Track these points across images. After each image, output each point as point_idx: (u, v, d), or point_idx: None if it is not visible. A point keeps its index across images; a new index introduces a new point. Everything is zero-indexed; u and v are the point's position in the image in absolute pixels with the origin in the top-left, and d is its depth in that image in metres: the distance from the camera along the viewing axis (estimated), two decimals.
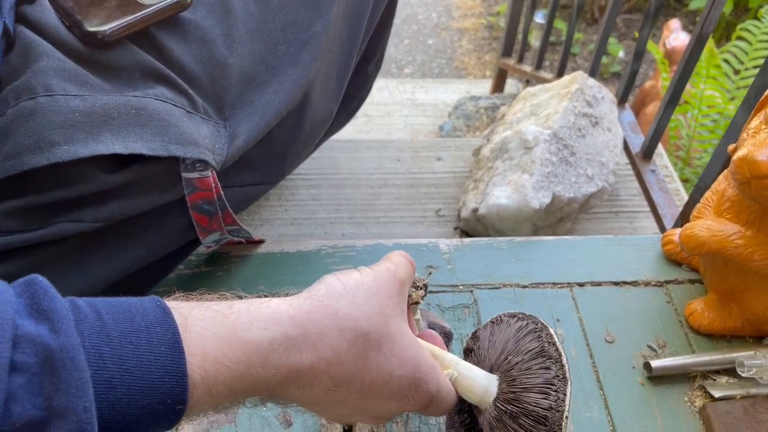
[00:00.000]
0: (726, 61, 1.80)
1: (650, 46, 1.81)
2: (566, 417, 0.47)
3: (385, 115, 1.86)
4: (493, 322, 0.57)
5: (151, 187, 0.60)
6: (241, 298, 0.42)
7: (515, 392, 0.50)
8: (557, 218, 1.02)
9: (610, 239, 0.89)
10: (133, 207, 0.59)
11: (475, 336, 0.59)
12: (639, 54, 1.18)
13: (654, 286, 0.83)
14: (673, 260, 0.86)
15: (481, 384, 0.51)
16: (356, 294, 0.44)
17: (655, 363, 0.72)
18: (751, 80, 1.73)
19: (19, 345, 0.31)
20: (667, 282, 0.84)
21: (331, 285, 0.45)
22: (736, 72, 1.80)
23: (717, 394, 0.70)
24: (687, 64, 1.03)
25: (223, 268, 0.83)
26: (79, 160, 0.53)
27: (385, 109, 1.89)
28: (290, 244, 0.88)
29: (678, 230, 0.85)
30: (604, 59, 2.75)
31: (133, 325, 0.35)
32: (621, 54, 2.79)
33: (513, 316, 0.55)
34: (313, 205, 1.14)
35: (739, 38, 1.82)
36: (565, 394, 0.47)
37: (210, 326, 0.37)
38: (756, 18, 1.81)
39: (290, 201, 1.14)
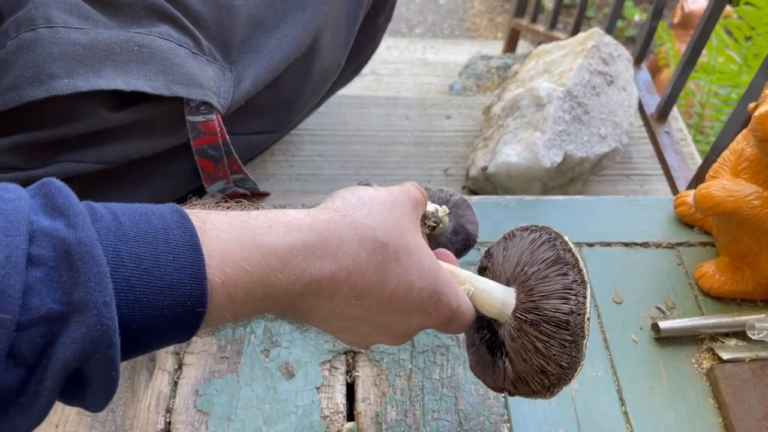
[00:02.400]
0: (738, 27, 1.75)
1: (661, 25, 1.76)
2: (587, 319, 0.46)
3: (395, 73, 1.83)
4: (506, 238, 0.55)
5: (154, 130, 0.59)
6: (257, 209, 0.40)
7: (534, 301, 0.48)
8: (568, 178, 1.00)
9: (621, 200, 0.88)
10: (136, 149, 0.58)
11: (488, 254, 0.56)
12: (658, 11, 1.15)
13: (665, 248, 0.82)
14: (685, 222, 0.84)
15: (498, 297, 0.50)
16: (372, 206, 0.42)
17: (663, 324, 0.71)
18: (764, 47, 1.70)
19: (36, 239, 0.30)
20: (678, 244, 0.82)
21: (347, 198, 0.43)
22: (748, 38, 1.75)
23: (725, 356, 0.69)
24: (706, 24, 1.00)
25: None
26: (81, 96, 0.52)
27: (394, 68, 1.86)
28: (295, 198, 0.86)
29: (692, 191, 0.83)
30: (620, 23, 2.70)
31: (150, 226, 0.34)
32: (636, 18, 2.73)
33: (525, 229, 0.53)
34: (319, 161, 1.12)
35: (747, 3, 1.77)
36: (585, 297, 0.46)
37: (229, 230, 0.36)
38: None
39: (296, 156, 1.12)
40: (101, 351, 0.30)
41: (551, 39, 1.69)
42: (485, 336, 0.54)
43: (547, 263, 0.48)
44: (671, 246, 0.82)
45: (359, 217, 0.41)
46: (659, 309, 0.75)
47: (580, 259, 0.48)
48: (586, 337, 0.46)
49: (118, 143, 0.56)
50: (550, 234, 0.50)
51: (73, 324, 0.30)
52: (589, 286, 0.47)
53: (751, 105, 0.67)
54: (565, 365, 0.47)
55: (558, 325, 0.47)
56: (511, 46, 1.99)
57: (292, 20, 0.67)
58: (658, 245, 0.82)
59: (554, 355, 0.47)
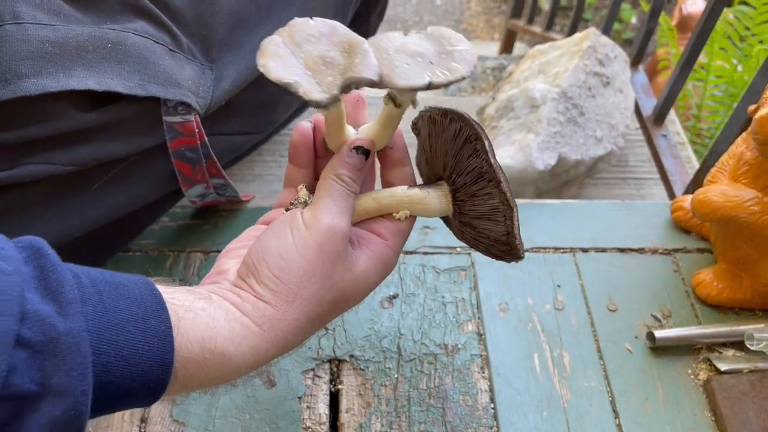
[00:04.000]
0: (733, 26, 1.73)
1: (662, 18, 1.74)
2: (519, 237, 0.49)
3: None
4: (429, 120, 0.52)
5: (129, 130, 0.56)
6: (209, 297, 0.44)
7: (468, 218, 0.52)
8: (562, 182, 0.98)
9: (616, 204, 0.85)
10: (109, 151, 0.55)
11: (416, 127, 0.55)
12: (656, 12, 1.12)
13: (661, 254, 0.80)
14: (682, 228, 0.82)
15: (435, 209, 0.52)
16: (301, 290, 0.44)
17: (659, 333, 0.69)
18: (759, 47, 1.68)
19: (27, 320, 0.32)
20: (675, 250, 0.80)
21: (274, 290, 0.44)
22: (742, 39, 1.73)
23: (723, 367, 0.67)
24: (703, 28, 0.98)
25: (209, 222, 0.79)
26: (50, 96, 0.49)
27: None
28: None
29: (689, 196, 0.81)
30: (617, 25, 2.68)
31: (131, 314, 0.37)
32: (634, 20, 2.71)
33: (445, 115, 0.50)
34: None
35: (742, 2, 1.75)
36: (512, 221, 0.49)
37: (196, 336, 0.40)
38: None
39: (285, 157, 1.09)
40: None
41: (548, 40, 1.66)
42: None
43: (472, 177, 0.49)
44: (668, 252, 0.80)
45: (294, 312, 0.44)
46: (655, 317, 0.73)
47: (501, 172, 0.48)
48: (521, 247, 0.50)
49: (89, 144, 0.54)
50: (471, 130, 0.48)
51: (48, 405, 0.32)
52: (515, 210, 0.49)
53: (751, 107, 0.65)
54: (508, 258, 0.52)
55: (495, 241, 0.51)
56: (507, 47, 1.97)
57: (276, 17, 0.64)
58: (654, 251, 0.80)
59: (496, 254, 0.53)
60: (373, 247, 0.48)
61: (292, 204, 0.50)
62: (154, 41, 0.55)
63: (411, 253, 0.78)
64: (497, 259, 0.54)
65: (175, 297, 0.41)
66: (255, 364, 0.43)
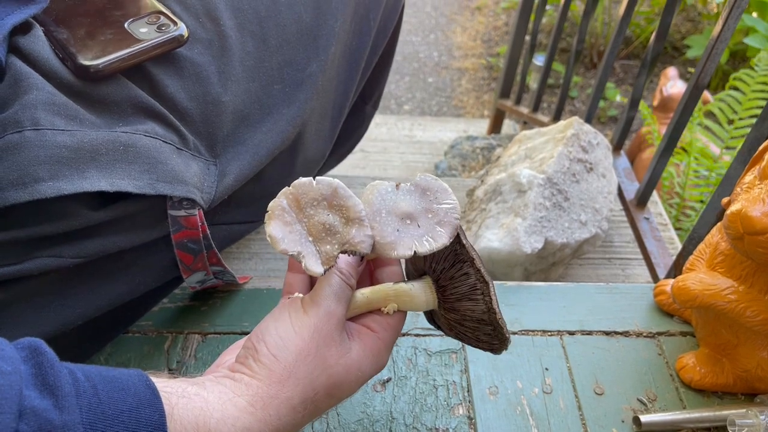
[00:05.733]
0: (720, 109, 1.81)
1: (641, 105, 1.82)
2: (498, 312, 0.53)
3: (382, 151, 1.87)
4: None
5: (135, 225, 0.59)
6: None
7: (451, 302, 0.55)
8: (549, 263, 1.01)
9: (601, 287, 0.88)
10: (116, 244, 0.58)
11: None
12: (635, 102, 1.19)
13: (645, 337, 0.82)
14: (665, 311, 0.85)
15: (421, 302, 0.56)
16: (295, 368, 0.46)
17: (644, 418, 0.70)
18: (745, 130, 1.75)
19: (25, 416, 0.33)
20: (659, 333, 0.82)
21: (264, 359, 0.47)
22: (730, 122, 1.81)
23: None
24: (682, 114, 1.04)
25: (207, 303, 0.82)
26: (63, 196, 0.52)
27: (382, 146, 1.89)
28: (277, 280, 0.87)
29: (671, 281, 0.84)
30: (602, 103, 2.78)
31: (125, 405, 0.38)
32: (618, 98, 2.82)
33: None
34: None
35: (733, 87, 1.84)
36: (489, 295, 0.52)
37: (190, 420, 0.41)
38: (750, 68, 1.82)
39: None
40: None
41: (534, 121, 1.73)
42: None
43: (449, 261, 0.53)
44: (652, 335, 0.82)
45: (287, 391, 0.46)
46: (641, 401, 0.75)
47: (473, 251, 0.52)
48: (503, 324, 0.53)
49: (97, 238, 0.57)
50: None
51: None
52: (491, 284, 0.52)
53: (725, 200, 0.68)
54: (496, 344, 0.56)
55: (479, 321, 0.54)
56: (496, 125, 2.05)
57: (278, 115, 0.69)
58: (638, 334, 0.82)
59: (485, 340, 0.56)
60: (365, 339, 0.51)
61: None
62: (163, 141, 0.59)
63: (403, 335, 0.80)
64: (488, 350, 0.57)
65: (168, 385, 0.43)
66: None
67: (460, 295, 0.54)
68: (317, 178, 0.50)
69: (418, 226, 0.50)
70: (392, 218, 0.50)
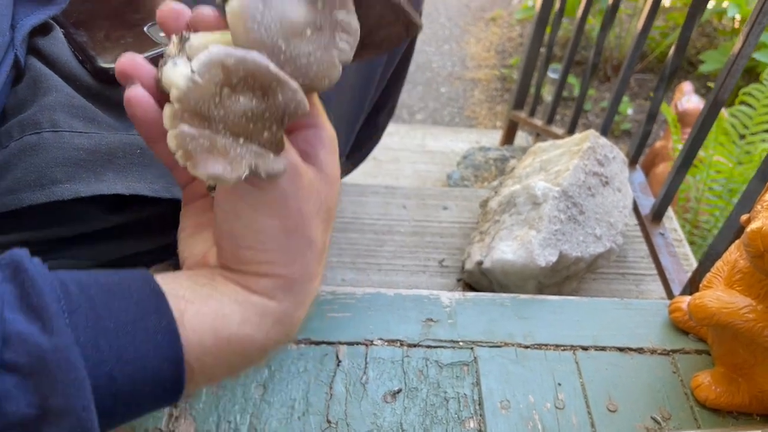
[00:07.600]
0: (732, 125, 1.80)
1: (664, 107, 1.82)
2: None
3: (394, 160, 1.86)
4: None
5: (151, 228, 0.59)
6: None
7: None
8: (563, 277, 1.00)
9: (616, 302, 0.87)
10: (132, 247, 0.58)
11: None
12: (652, 116, 1.18)
13: (660, 354, 0.81)
14: (680, 328, 0.84)
15: None
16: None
17: None
18: (757, 145, 1.74)
19: (11, 343, 0.30)
20: (674, 351, 0.81)
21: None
22: (742, 137, 1.80)
23: None
24: (700, 130, 1.03)
25: None
26: (79, 199, 0.52)
27: (393, 155, 1.89)
28: None
29: (686, 297, 0.83)
30: (615, 117, 2.77)
31: (128, 315, 0.35)
32: (630, 111, 2.80)
33: None
34: None
35: (743, 103, 1.82)
36: None
37: (206, 326, 0.38)
38: (760, 82, 1.81)
39: None
40: None
41: (548, 133, 1.73)
42: None
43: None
44: (666, 353, 0.81)
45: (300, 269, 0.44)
46: (654, 419, 0.73)
47: None
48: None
49: (113, 242, 0.57)
50: None
51: (51, 427, 0.31)
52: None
53: (744, 217, 0.68)
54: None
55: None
56: (509, 136, 2.04)
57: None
58: (653, 351, 0.81)
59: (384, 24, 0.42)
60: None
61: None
62: None
63: (414, 346, 0.79)
64: (391, 44, 0.45)
65: (176, 289, 0.38)
66: (285, 337, 0.41)
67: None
68: (192, 65, 0.34)
69: (320, 29, 0.37)
70: (294, 42, 0.37)
